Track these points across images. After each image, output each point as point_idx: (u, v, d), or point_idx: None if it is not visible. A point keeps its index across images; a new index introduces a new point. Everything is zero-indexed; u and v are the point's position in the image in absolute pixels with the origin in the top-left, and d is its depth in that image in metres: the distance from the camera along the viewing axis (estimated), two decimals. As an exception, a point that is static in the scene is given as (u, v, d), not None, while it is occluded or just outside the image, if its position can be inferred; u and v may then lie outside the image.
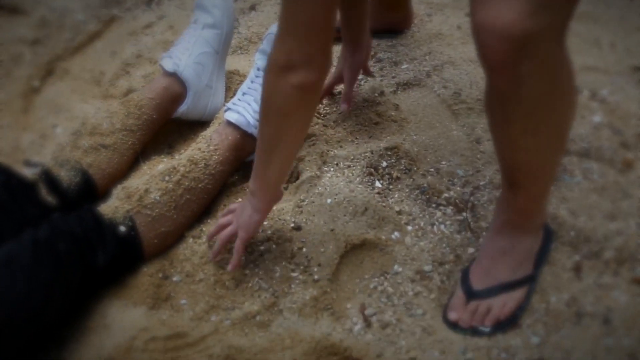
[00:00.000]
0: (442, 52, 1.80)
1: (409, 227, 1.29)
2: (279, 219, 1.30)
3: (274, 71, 1.02)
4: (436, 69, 1.73)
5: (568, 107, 0.98)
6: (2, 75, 1.87)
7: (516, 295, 1.13)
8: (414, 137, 1.50)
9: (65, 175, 1.35)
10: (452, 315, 1.13)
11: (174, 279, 1.24)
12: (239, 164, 1.46)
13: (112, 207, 1.25)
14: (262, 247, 1.25)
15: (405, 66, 1.75)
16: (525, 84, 0.88)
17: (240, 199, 1.39)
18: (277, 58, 1.01)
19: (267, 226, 1.28)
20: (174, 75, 1.57)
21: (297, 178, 1.42)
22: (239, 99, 1.46)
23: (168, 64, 1.57)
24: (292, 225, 1.28)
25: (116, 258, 1.21)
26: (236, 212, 1.22)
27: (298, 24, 0.98)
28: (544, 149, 1.01)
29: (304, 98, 1.04)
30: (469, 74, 1.67)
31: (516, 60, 0.85)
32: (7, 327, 1.01)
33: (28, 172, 1.32)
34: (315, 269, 1.21)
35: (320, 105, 1.65)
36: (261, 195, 1.16)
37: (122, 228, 1.23)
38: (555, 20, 0.84)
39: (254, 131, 1.41)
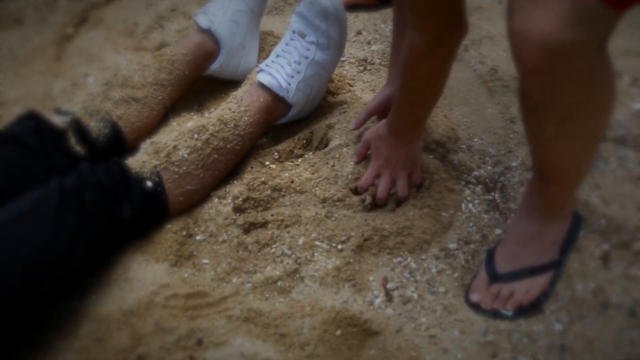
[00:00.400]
0: (482, 26, 1.77)
1: (437, 203, 1.28)
2: (306, 188, 1.29)
3: (429, 48, 1.08)
4: (474, 44, 1.69)
5: (604, 114, 0.95)
6: (38, 21, 1.86)
7: (540, 281, 1.11)
8: (447, 111, 1.47)
9: (94, 126, 1.34)
10: (474, 297, 1.12)
11: (198, 237, 1.24)
12: (268, 126, 1.44)
13: (140, 161, 1.24)
14: (287, 213, 1.25)
15: (442, 38, 1.72)
16: (558, 92, 0.85)
17: (267, 163, 1.37)
18: (426, 37, 1.06)
19: (293, 191, 1.28)
20: (207, 32, 1.55)
21: (326, 145, 1.41)
22: (272, 61, 1.44)
23: (202, 20, 1.55)
24: (319, 193, 1.28)
25: (141, 212, 1.20)
26: (387, 162, 1.28)
27: (429, 6, 1.02)
28: (577, 151, 0.98)
29: (455, 52, 1.13)
30: (507, 50, 1.60)
31: (550, 68, 0.82)
32: (30, 272, 1.02)
33: (58, 120, 1.32)
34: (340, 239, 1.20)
35: (353, 73, 1.63)
36: (418, 134, 1.27)
37: (149, 183, 1.22)
38: (596, 33, 0.80)
39: (285, 94, 1.40)
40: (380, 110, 1.40)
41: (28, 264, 1.02)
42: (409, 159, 1.27)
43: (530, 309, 1.09)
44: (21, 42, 1.78)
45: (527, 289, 1.10)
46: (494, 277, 1.12)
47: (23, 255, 1.01)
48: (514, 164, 1.35)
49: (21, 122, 1.26)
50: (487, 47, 1.68)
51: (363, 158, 1.33)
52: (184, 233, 1.24)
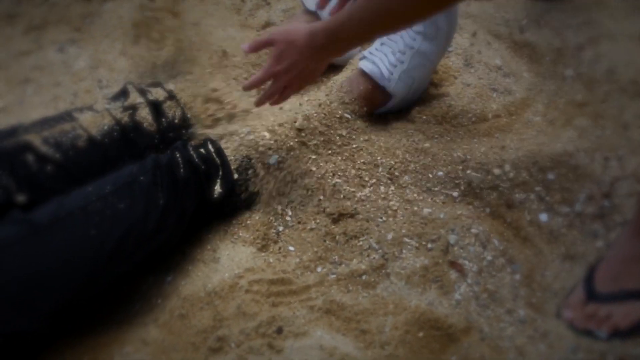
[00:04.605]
0: (602, 23, 1.66)
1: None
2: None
3: None
4: (591, 41, 1.60)
5: None
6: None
7: None
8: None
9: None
10: (568, 313, 1.06)
11: (286, 223, 1.23)
12: (366, 115, 1.41)
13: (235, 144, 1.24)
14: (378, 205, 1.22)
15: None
16: None
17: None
18: None
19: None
20: (313, 14, 1.53)
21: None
22: (376, 49, 1.40)
23: (309, 1, 1.54)
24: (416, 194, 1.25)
25: (232, 194, 1.21)
26: (287, 72, 1.13)
27: None
28: None
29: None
30: (628, 51, 1.53)
31: None
32: (121, 246, 1.04)
33: (156, 95, 1.33)
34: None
35: (459, 65, 1.57)
36: (342, 52, 1.13)
37: (243, 165, 1.22)
38: None
39: (386, 84, 1.36)
40: None
41: (120, 237, 1.04)
42: (311, 75, 1.15)
43: (627, 334, 1.02)
44: (131, 12, 1.81)
45: (626, 312, 1.03)
46: (592, 296, 1.05)
47: (116, 228, 1.03)
48: (623, 173, 1.27)
49: (122, 95, 1.28)
50: (605, 46, 1.58)
51: (255, 50, 1.16)
52: (273, 218, 1.23)
